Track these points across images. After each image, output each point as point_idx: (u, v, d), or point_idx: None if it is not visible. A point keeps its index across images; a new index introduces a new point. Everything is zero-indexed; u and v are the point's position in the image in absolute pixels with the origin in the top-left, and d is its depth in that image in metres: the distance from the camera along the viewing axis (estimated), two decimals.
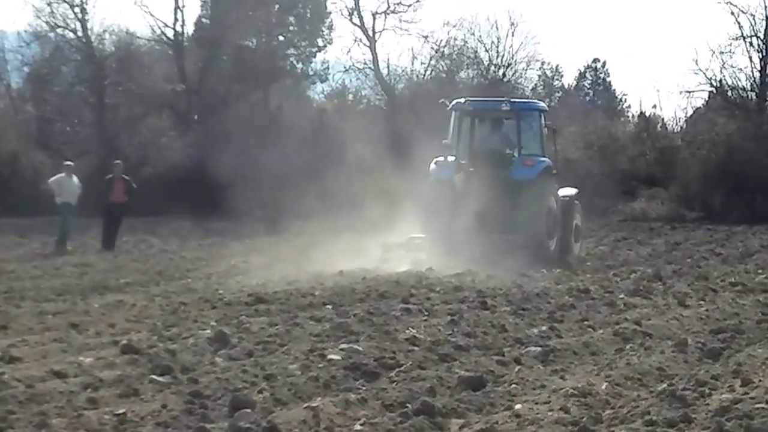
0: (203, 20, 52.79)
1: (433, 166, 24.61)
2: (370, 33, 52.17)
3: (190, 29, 52.28)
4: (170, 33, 50.71)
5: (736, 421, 8.19)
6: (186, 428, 8.45)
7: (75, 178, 28.28)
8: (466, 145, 25.30)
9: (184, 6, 50.44)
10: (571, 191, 26.04)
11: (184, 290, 18.06)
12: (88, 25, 50.31)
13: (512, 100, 26.18)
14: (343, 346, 11.73)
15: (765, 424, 8.16)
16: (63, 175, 28.21)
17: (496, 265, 21.30)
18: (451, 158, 24.48)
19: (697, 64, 54.06)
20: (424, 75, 54.15)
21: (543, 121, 25.72)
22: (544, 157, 25.03)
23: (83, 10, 49.88)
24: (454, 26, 54.69)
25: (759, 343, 12.70)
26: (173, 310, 15.26)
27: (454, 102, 25.57)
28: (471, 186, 24.09)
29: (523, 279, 19.83)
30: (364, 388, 9.89)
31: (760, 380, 9.81)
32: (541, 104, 27.90)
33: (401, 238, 23.83)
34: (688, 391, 9.46)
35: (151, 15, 57.45)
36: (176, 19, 50.50)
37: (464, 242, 22.86)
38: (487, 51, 54.29)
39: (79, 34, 50.34)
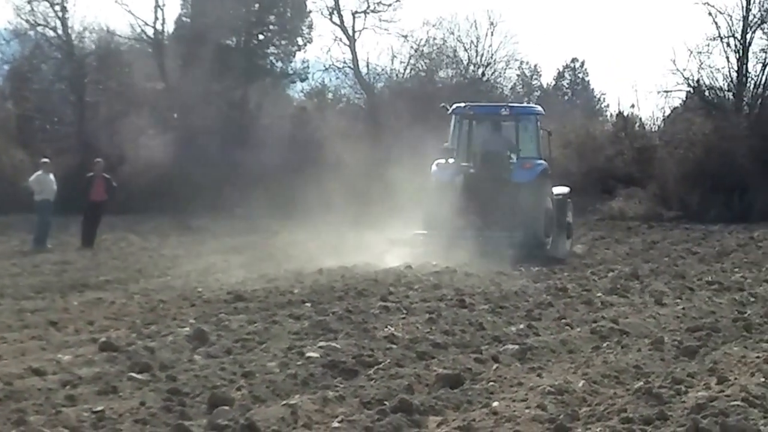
0: (183, 19, 52.73)
1: (434, 167, 25.57)
2: (350, 32, 52.26)
3: (170, 28, 52.27)
4: (150, 31, 50.66)
5: (712, 418, 8.22)
6: (164, 425, 8.46)
7: (51, 175, 28.20)
8: (466, 148, 26.39)
9: (164, 5, 50.52)
10: (564, 190, 27.30)
11: (164, 288, 18.06)
12: (69, 23, 50.24)
13: (511, 105, 27.78)
14: (321, 343, 11.77)
15: (740, 421, 8.20)
16: (41, 172, 28.13)
17: (491, 262, 21.97)
18: (451, 160, 25.59)
19: (674, 64, 54.19)
20: (404, 74, 54.24)
21: (539, 125, 26.85)
22: (540, 159, 26.05)
23: (63, 9, 49.80)
24: (434, 26, 54.93)
25: (735, 342, 12.75)
26: (152, 308, 15.27)
27: (454, 106, 26.57)
28: (471, 187, 25.01)
29: (501, 277, 19.90)
30: (342, 385, 9.92)
31: (735, 378, 9.86)
32: (538, 108, 28.68)
33: (405, 235, 24.74)
34: (664, 388, 9.51)
35: (132, 13, 57.51)
36: (156, 18, 50.49)
37: (465, 240, 23.63)
38: (466, 50, 54.48)
39: (60, 32, 50.21)
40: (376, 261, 22.21)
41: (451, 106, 26.71)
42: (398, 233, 24.77)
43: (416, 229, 24.79)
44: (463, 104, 26.90)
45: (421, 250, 23.58)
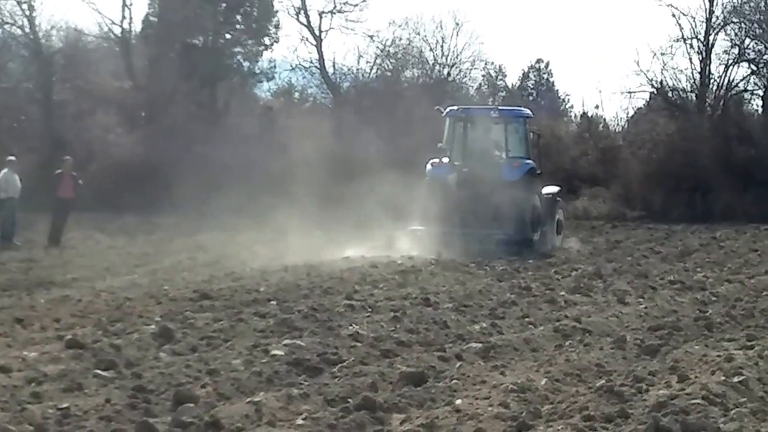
0: (151, 18, 52.47)
1: (429, 166, 27.14)
2: (317, 32, 52.21)
3: (137, 27, 52.05)
4: (118, 30, 50.45)
5: (672, 416, 8.30)
6: (129, 422, 8.46)
7: (17, 174, 28.06)
8: (458, 148, 27.75)
9: (131, 4, 50.15)
10: (554, 189, 28.72)
11: (130, 286, 18.02)
12: (36, 22, 49.89)
13: (501, 108, 29.30)
14: (286, 341, 11.82)
15: (700, 419, 8.29)
16: (6, 170, 27.98)
17: (482, 255, 23.58)
18: (445, 159, 27.13)
19: (638, 65, 54.90)
20: (370, 74, 54.21)
21: (528, 127, 28.52)
22: (528, 159, 27.59)
23: (31, 7, 49.48)
24: (400, 26, 54.89)
25: (696, 340, 12.89)
26: (118, 306, 15.24)
27: (448, 109, 28.43)
28: (463, 185, 26.51)
29: (466, 276, 19.99)
30: (306, 383, 9.97)
31: (696, 376, 9.95)
32: (527, 111, 29.74)
33: (403, 230, 26.32)
34: (625, 386, 9.61)
35: (99, 12, 57.22)
36: (124, 17, 50.23)
37: (458, 234, 25.15)
38: (432, 50, 54.48)
39: (27, 30, 49.87)
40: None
41: (445, 109, 28.39)
42: (396, 229, 26.33)
43: (412, 224, 26.29)
44: (456, 107, 28.81)
45: (416, 244, 25.08)
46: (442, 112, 28.35)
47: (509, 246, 25.34)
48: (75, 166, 30.05)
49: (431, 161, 27.25)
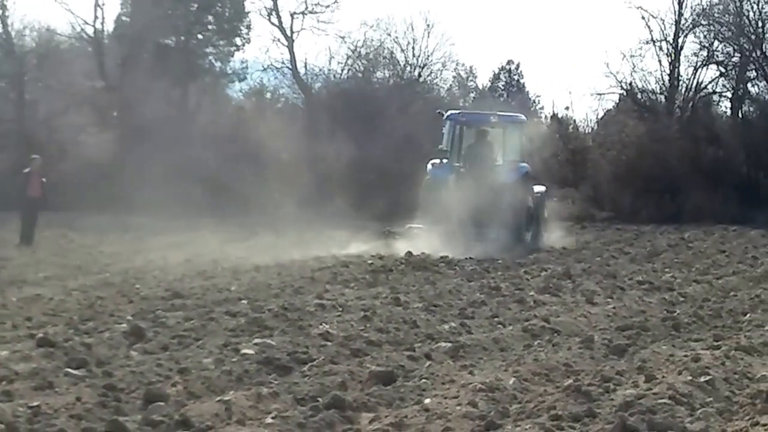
0: (123, 18, 52.39)
1: (430, 166, 28.46)
2: (288, 33, 52.19)
3: (110, 27, 51.92)
4: (90, 30, 50.29)
5: (639, 415, 8.35)
6: (99, 421, 8.46)
7: None
8: (458, 150, 29.08)
9: (104, 4, 50.05)
10: (541, 188, 29.92)
11: (102, 285, 17.99)
12: (9, 21, 49.83)
13: (499, 113, 30.42)
14: (257, 340, 11.85)
15: (667, 419, 8.34)
16: None
17: (480, 252, 24.66)
18: (445, 161, 28.37)
19: (608, 67, 55.10)
20: (341, 75, 54.22)
21: (523, 132, 30.35)
22: (524, 162, 29.19)
23: (3, 6, 49.36)
24: (371, 27, 54.86)
25: (663, 340, 12.99)
26: (90, 305, 15.24)
27: (449, 113, 30.06)
28: (463, 185, 27.36)
29: (436, 276, 20.05)
30: (276, 382, 10.01)
31: (663, 376, 10.03)
32: (522, 117, 31.69)
33: (402, 228, 28.14)
34: (593, 386, 9.66)
35: (72, 12, 56.88)
36: (96, 17, 50.08)
37: (456, 232, 26.16)
38: (403, 51, 54.42)
39: (0, 30, 49.75)
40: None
41: (446, 113, 29.93)
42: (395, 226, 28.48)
43: (413, 222, 27.86)
44: (457, 111, 30.91)
45: (415, 241, 25.95)
46: (443, 116, 29.75)
47: (503, 243, 26.25)
48: (47, 165, 29.98)
49: (432, 162, 28.60)
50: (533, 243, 28.13)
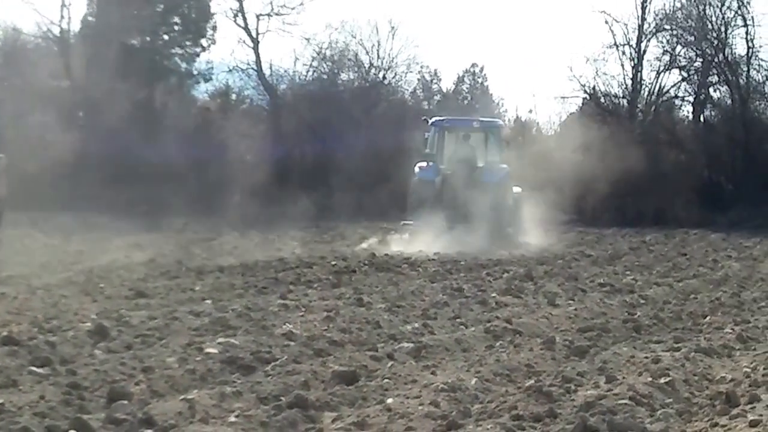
0: (89, 18, 52.14)
1: (417, 169, 30.76)
2: (254, 34, 52.11)
3: (76, 26, 51.69)
4: (56, 30, 50.07)
5: (600, 416, 8.42)
6: (63, 419, 8.44)
7: None
8: (443, 153, 31.57)
9: (70, 3, 49.76)
10: (518, 189, 31.83)
11: (66, 283, 17.87)
12: None
13: (481, 119, 34.23)
14: (220, 340, 11.84)
15: (627, 419, 8.41)
16: None
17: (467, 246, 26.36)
18: (431, 163, 30.73)
19: (571, 70, 55.45)
20: (306, 76, 54.17)
21: (501, 135, 32.54)
22: (503, 164, 31.35)
23: None
24: (336, 29, 54.89)
25: (624, 342, 13.10)
26: (54, 303, 15.16)
27: (434, 119, 32.68)
28: (449, 185, 29.88)
29: (399, 277, 20.11)
30: (239, 381, 10.02)
31: (623, 377, 10.11)
32: (500, 122, 35.52)
33: (396, 225, 30.75)
34: (554, 387, 9.72)
35: (38, 12, 56.74)
36: (62, 16, 49.82)
37: (444, 228, 28.21)
38: (367, 54, 54.46)
39: None
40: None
41: (431, 119, 32.61)
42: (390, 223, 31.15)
43: (405, 219, 30.01)
44: (441, 118, 33.18)
45: (406, 236, 28.69)
46: (428, 122, 32.40)
47: (487, 240, 27.97)
48: (12, 164, 29.78)
49: (419, 164, 30.87)
50: (515, 238, 30.16)
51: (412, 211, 29.69)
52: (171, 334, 12.50)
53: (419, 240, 27.62)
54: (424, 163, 30.91)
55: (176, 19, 52.15)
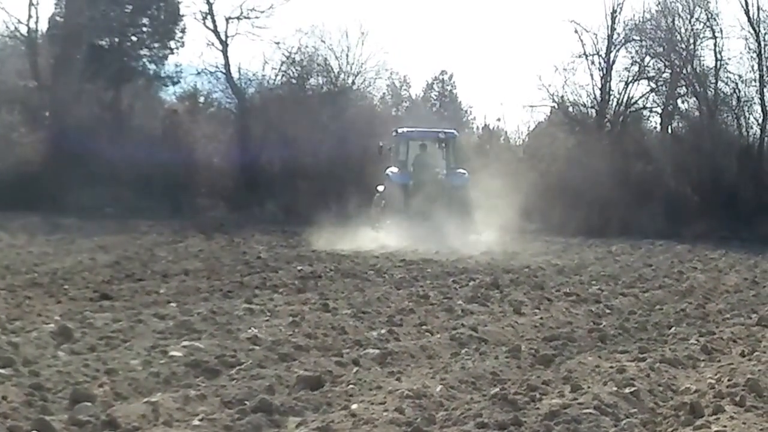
0: (57, 18, 51.86)
1: (390, 174, 34.27)
2: (223, 37, 51.97)
3: (43, 26, 51.41)
4: (24, 29, 49.76)
5: (564, 425, 8.47)
6: (25, 420, 8.40)
7: None
8: (411, 160, 34.90)
9: (38, 3, 49.32)
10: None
11: (30, 284, 17.74)
12: None
13: (445, 130, 37.43)
14: (185, 343, 11.79)
15: (592, 428, 8.46)
16: None
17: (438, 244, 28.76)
18: (402, 169, 34.20)
19: (540, 79, 55.61)
20: (275, 80, 54.06)
21: (460, 144, 37.66)
22: (463, 169, 34.97)
23: None
24: (306, 33, 54.79)
25: (589, 351, 13.10)
26: (18, 304, 15.07)
27: (402, 130, 36.30)
28: (421, 189, 33.09)
29: (365, 283, 20.08)
30: (204, 384, 9.98)
31: (588, 386, 10.13)
32: (455, 132, 38.34)
33: (364, 228, 33.02)
34: (519, 395, 9.73)
35: (5, 11, 56.31)
36: (30, 16, 49.45)
37: (421, 226, 30.84)
38: (337, 59, 54.43)
39: None
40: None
41: (399, 131, 36.11)
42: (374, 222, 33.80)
43: (384, 219, 32.99)
44: (409, 129, 37.02)
45: (381, 234, 31.76)
46: (397, 133, 36.00)
47: (458, 237, 30.55)
48: None
49: (390, 170, 34.43)
50: (478, 235, 32.48)
51: (387, 213, 33.04)
52: (135, 336, 12.42)
53: (392, 238, 30.40)
54: (395, 169, 34.39)
55: (145, 21, 51.91)
